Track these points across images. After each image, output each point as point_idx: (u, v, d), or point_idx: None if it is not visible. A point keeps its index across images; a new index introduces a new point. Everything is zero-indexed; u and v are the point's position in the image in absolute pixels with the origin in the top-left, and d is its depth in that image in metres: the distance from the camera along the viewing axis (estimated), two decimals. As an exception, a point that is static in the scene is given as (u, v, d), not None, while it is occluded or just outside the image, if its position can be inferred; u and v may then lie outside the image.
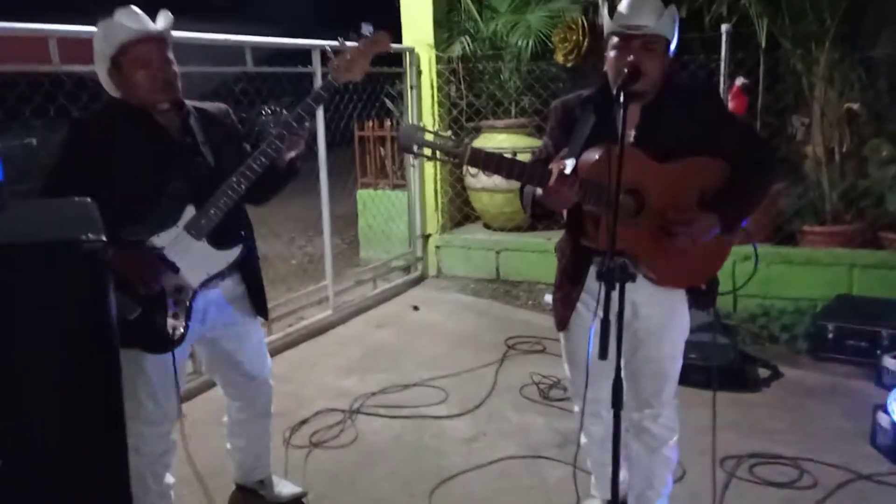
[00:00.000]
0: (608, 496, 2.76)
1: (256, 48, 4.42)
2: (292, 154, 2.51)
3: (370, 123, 6.51)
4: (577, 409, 2.64)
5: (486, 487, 3.06)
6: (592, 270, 2.33)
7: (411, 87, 5.89)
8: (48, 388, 1.42)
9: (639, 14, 2.21)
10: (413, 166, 5.98)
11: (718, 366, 3.95)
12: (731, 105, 5.21)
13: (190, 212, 2.33)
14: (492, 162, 2.16)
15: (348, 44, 2.56)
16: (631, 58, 2.19)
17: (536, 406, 3.75)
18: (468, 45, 5.90)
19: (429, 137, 2.07)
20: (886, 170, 4.93)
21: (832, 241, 4.96)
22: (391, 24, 5.99)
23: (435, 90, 5.97)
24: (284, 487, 2.96)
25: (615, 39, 2.26)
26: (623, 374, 2.50)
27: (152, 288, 2.27)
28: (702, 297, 2.43)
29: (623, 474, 2.72)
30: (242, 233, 2.49)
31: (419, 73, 5.91)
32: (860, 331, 4.16)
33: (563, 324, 2.49)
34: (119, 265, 2.17)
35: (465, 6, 5.98)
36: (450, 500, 2.97)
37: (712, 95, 2.48)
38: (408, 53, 5.86)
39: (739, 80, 5.30)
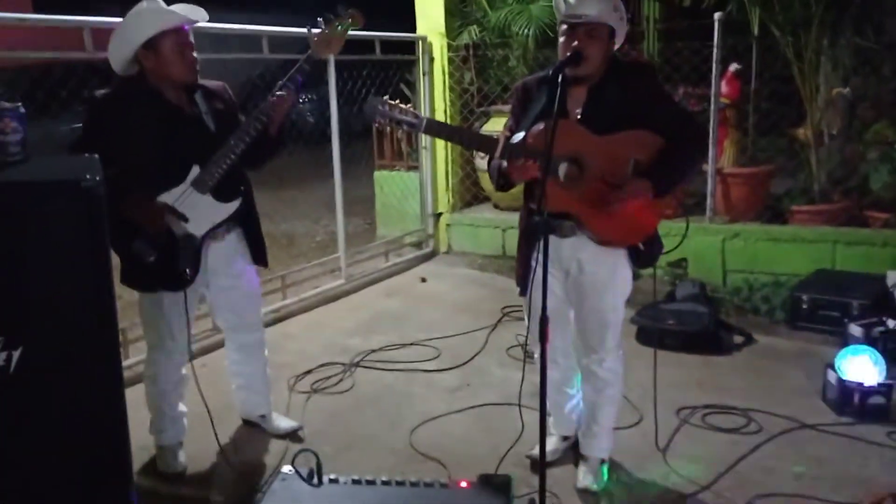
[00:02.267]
0: (563, 432, 3.14)
1: (275, 36, 4.80)
2: (280, 124, 2.89)
3: (387, 109, 6.86)
4: (536, 355, 2.98)
5: (462, 428, 3.44)
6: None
7: (424, 74, 6.24)
8: (54, 306, 1.81)
9: (583, 4, 2.51)
10: (426, 148, 6.36)
11: (691, 331, 4.27)
12: (724, 90, 5.48)
13: (195, 171, 2.75)
14: (445, 131, 2.53)
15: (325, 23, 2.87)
16: (575, 43, 2.53)
17: (520, 363, 4.08)
18: (477, 34, 6.24)
19: (389, 110, 2.45)
20: (871, 152, 5.15)
21: (819, 219, 5.19)
22: (406, 14, 6.39)
23: (446, 77, 6.32)
24: (283, 422, 3.38)
25: (563, 27, 2.58)
26: (573, 324, 2.87)
27: (162, 227, 2.70)
28: (641, 256, 2.74)
29: (577, 414, 3.08)
30: (242, 188, 2.90)
31: (431, 60, 6.26)
32: (832, 301, 4.40)
33: (522, 281, 2.82)
34: (135, 213, 2.65)
35: (475, -4, 6.32)
36: (429, 436, 3.34)
37: (648, 74, 2.75)
38: (420, 42, 6.21)
39: (733, 66, 5.55)
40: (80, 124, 2.80)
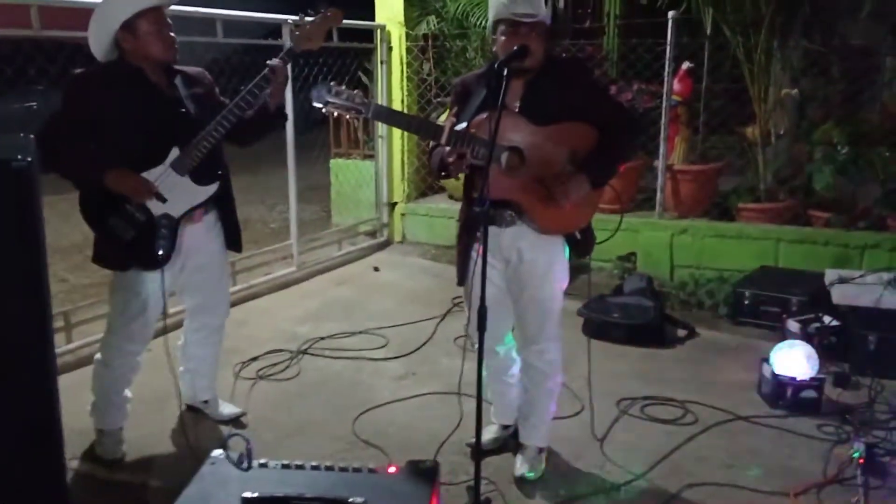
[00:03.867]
0: (503, 421, 3.19)
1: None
2: (280, 98, 2.95)
3: (345, 96, 6.84)
4: (475, 346, 3.02)
5: (405, 415, 3.46)
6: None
7: (382, 63, 6.24)
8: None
9: (530, 2, 2.60)
10: (382, 137, 6.35)
11: (635, 324, 4.36)
12: (676, 87, 5.58)
13: (175, 153, 2.76)
14: (394, 117, 2.57)
15: (307, 18, 2.92)
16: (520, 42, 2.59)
17: (466, 354, 4.13)
18: (436, 24, 6.24)
19: (336, 95, 2.47)
20: (816, 152, 5.28)
21: (765, 217, 5.33)
22: (365, 2, 6.36)
23: (404, 66, 6.32)
24: (226, 408, 3.38)
25: (504, 26, 2.65)
26: (513, 314, 2.91)
27: (144, 197, 2.72)
28: (578, 245, 2.81)
29: (517, 404, 3.13)
30: (220, 172, 2.92)
31: (390, 49, 6.26)
32: (773, 297, 4.53)
33: (459, 270, 2.86)
34: (121, 184, 2.68)
35: (434, -15, 6.33)
36: (372, 423, 3.36)
37: (582, 69, 2.87)
38: (379, 30, 6.20)
39: (685, 65, 5.66)
40: (33, 103, 2.77)
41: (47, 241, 1.90)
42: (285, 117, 3.08)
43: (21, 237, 1.77)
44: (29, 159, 1.70)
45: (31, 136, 1.90)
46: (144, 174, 2.73)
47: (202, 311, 3.20)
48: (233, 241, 3.13)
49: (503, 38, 2.65)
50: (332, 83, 2.59)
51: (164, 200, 2.76)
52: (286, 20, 2.89)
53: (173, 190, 2.77)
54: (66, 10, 3.80)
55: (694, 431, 3.31)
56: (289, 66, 2.93)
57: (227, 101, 2.86)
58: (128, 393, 3.10)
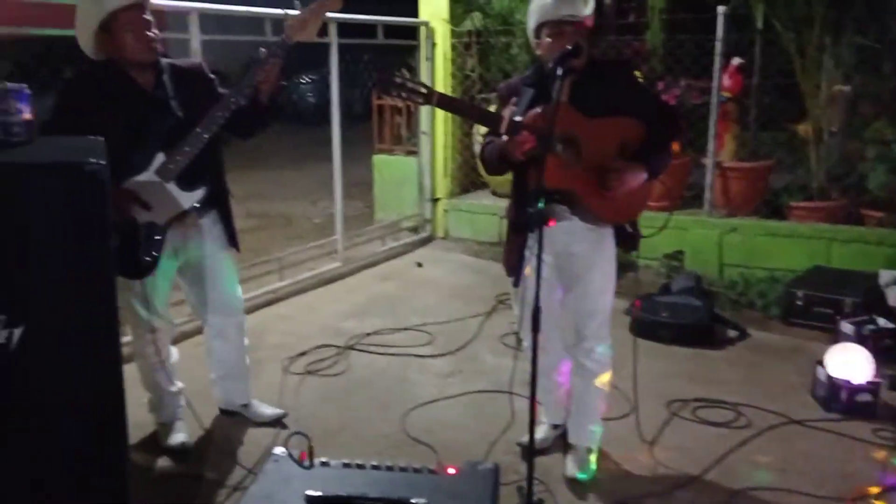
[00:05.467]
0: (553, 420, 3.18)
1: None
2: (272, 88, 2.81)
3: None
4: (526, 344, 3.01)
5: (453, 414, 3.47)
6: None
7: (426, 60, 6.24)
8: (55, 285, 1.85)
9: (574, 4, 2.64)
10: (425, 133, 6.36)
11: (685, 324, 4.30)
12: (726, 83, 5.49)
13: (160, 158, 2.68)
14: (455, 104, 2.61)
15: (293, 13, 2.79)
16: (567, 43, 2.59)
17: (512, 351, 4.13)
18: (481, 21, 6.22)
19: (400, 82, 2.49)
20: (870, 150, 5.17)
21: (817, 216, 5.22)
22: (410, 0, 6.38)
23: (448, 63, 6.31)
24: (266, 409, 3.35)
25: (548, 28, 2.67)
26: (563, 311, 2.91)
27: (126, 214, 2.65)
28: (627, 238, 2.82)
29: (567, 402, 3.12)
30: (208, 175, 2.83)
31: (434, 46, 6.25)
32: (826, 299, 4.43)
33: (512, 269, 2.86)
34: None
35: (480, -18, 6.31)
36: (420, 421, 3.37)
37: (627, 70, 2.97)
38: (423, 27, 6.20)
39: (736, 61, 5.56)
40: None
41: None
42: (276, 112, 2.91)
43: (92, 236, 1.81)
44: (101, 162, 1.73)
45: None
46: (130, 181, 2.66)
47: (214, 313, 3.13)
48: (231, 240, 3.05)
49: (548, 40, 2.68)
50: (398, 72, 2.59)
51: (149, 208, 2.69)
52: (282, 11, 2.73)
53: (159, 196, 2.69)
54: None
55: (747, 435, 3.26)
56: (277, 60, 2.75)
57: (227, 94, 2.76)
58: (176, 385, 3.14)
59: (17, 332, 1.79)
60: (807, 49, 5.17)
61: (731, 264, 5.30)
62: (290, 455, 1.96)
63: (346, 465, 1.95)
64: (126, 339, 3.96)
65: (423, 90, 2.55)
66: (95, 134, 2.49)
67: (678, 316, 4.35)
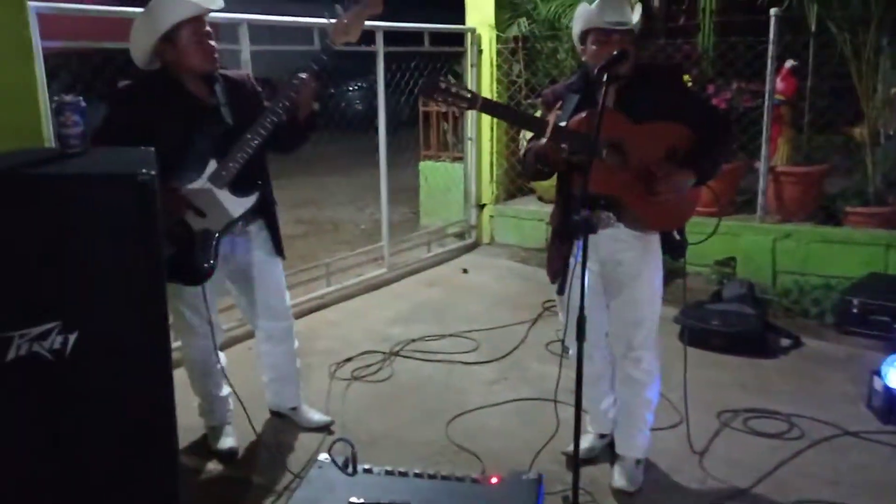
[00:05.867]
0: (600, 430, 3.14)
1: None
2: (308, 111, 2.88)
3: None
4: (571, 352, 2.98)
5: (498, 421, 3.46)
6: None
7: (472, 66, 6.25)
8: (108, 293, 1.90)
9: (621, 11, 2.62)
10: (471, 139, 6.37)
11: (736, 332, 4.21)
12: (779, 86, 5.38)
13: (212, 165, 2.74)
14: (499, 109, 2.60)
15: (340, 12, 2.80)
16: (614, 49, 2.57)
17: (558, 359, 4.08)
18: (527, 26, 6.21)
19: (445, 88, 2.49)
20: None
21: (873, 221, 5.06)
22: (456, 6, 6.40)
23: (494, 69, 6.32)
24: (315, 415, 3.39)
25: (594, 35, 2.65)
26: (609, 319, 2.88)
27: (178, 213, 2.70)
28: (675, 245, 2.78)
29: (613, 412, 3.08)
30: (259, 182, 2.88)
31: (480, 52, 6.26)
32: (883, 306, 4.31)
33: (556, 276, 2.85)
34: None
35: (526, -12, 6.29)
36: (465, 428, 3.37)
37: (676, 75, 2.92)
38: (469, 34, 6.21)
39: (789, 63, 5.45)
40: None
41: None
42: (312, 130, 2.97)
43: (143, 244, 1.86)
44: (153, 173, 1.78)
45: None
46: (184, 189, 2.71)
47: (263, 318, 3.17)
48: (278, 248, 3.08)
49: (594, 46, 2.66)
50: (442, 77, 2.59)
51: (203, 215, 2.74)
52: (324, 16, 2.72)
53: (212, 203, 2.74)
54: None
55: (800, 447, 3.18)
56: (318, 71, 2.80)
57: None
58: (224, 390, 3.19)
59: (72, 337, 1.85)
60: (862, 50, 5.03)
61: (785, 271, 5.17)
62: (334, 461, 1.98)
63: (389, 473, 1.96)
64: (175, 344, 4.13)
65: (468, 95, 2.55)
66: (148, 142, 2.49)
67: (729, 324, 4.26)
